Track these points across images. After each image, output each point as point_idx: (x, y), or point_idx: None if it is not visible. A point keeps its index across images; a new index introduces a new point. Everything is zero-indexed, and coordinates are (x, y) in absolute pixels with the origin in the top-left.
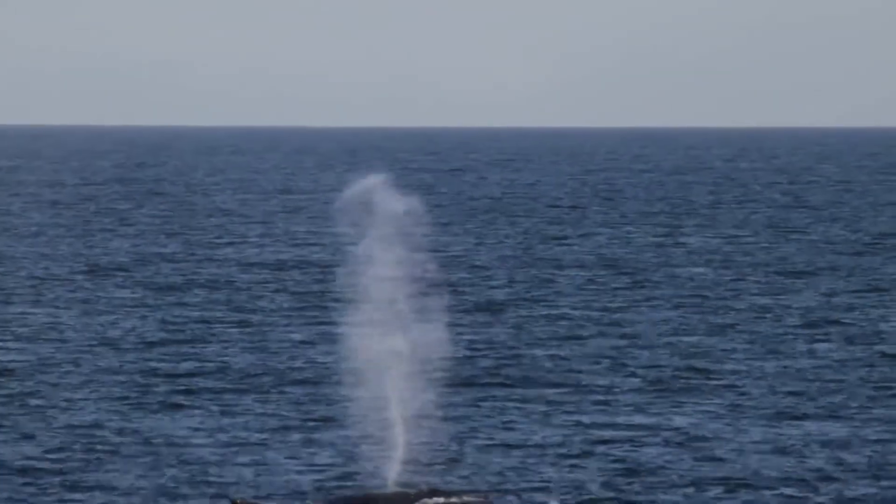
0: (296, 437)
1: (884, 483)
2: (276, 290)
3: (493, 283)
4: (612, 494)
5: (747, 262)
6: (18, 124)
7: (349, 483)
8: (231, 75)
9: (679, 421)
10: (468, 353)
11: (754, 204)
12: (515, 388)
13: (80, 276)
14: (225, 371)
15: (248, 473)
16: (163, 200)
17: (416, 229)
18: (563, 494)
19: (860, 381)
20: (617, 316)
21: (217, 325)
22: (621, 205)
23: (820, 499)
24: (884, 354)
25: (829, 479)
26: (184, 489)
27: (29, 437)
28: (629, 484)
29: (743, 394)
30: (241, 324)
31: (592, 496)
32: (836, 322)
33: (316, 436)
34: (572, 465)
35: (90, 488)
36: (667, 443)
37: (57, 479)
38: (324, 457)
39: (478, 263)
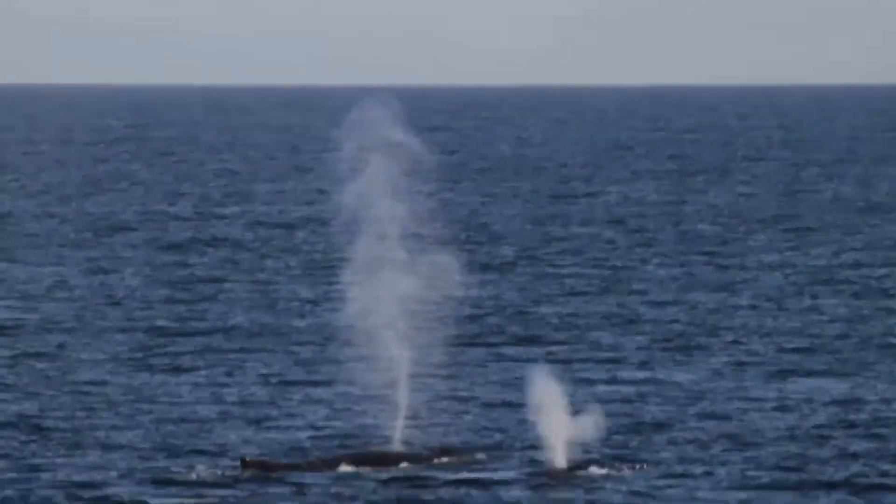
0: (301, 395)
1: (886, 440)
2: (284, 250)
3: (501, 240)
4: (615, 451)
5: (756, 219)
6: (21, 83)
7: (354, 441)
8: (239, 33)
9: (684, 378)
10: (474, 310)
11: (765, 162)
12: (521, 345)
13: (87, 235)
14: (230, 330)
15: (251, 432)
16: (173, 160)
17: (418, 169)
18: (567, 451)
19: (867, 337)
20: (624, 273)
21: (223, 284)
22: (632, 163)
23: (823, 454)
24: (890, 311)
25: (832, 436)
26: (187, 447)
27: (32, 394)
28: (632, 441)
29: (749, 351)
30: (248, 283)
31: (595, 453)
32: (844, 279)
33: (321, 395)
34: (576, 423)
35: (92, 446)
36: (671, 400)
37: (59, 437)
38: (329, 415)
39: (486, 221)
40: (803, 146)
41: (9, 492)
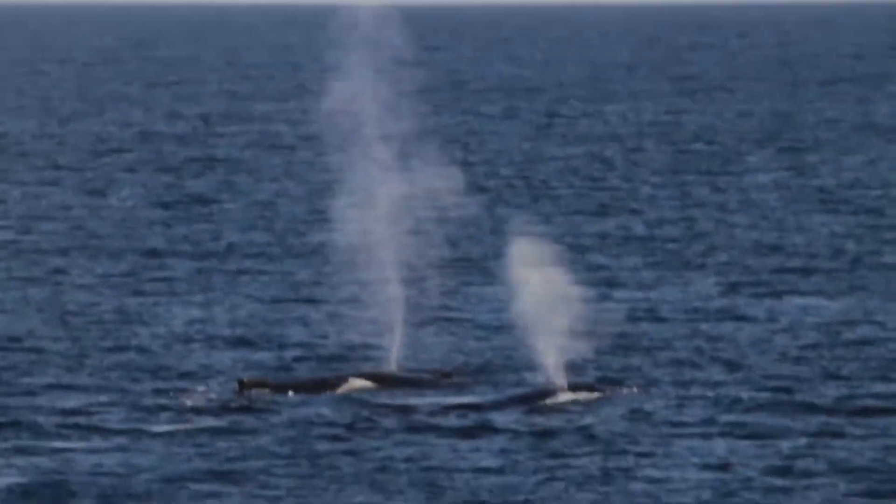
0: (297, 316)
1: (878, 360)
2: (283, 170)
3: (497, 160)
4: (609, 373)
5: (753, 139)
6: (21, 2)
7: (351, 362)
8: None
9: (678, 298)
10: (470, 230)
11: (764, 80)
12: (517, 266)
13: (84, 156)
14: (226, 251)
15: (245, 353)
16: (172, 79)
17: (416, 88)
18: (561, 373)
19: (861, 256)
20: (621, 193)
21: (220, 205)
22: (631, 82)
23: (815, 375)
24: (885, 230)
25: (823, 356)
26: (183, 369)
27: (24, 316)
28: (626, 362)
29: (744, 270)
30: (245, 204)
31: (589, 374)
32: (841, 199)
33: (317, 315)
34: (567, 343)
35: (85, 370)
36: (665, 320)
37: (52, 360)
38: (325, 336)
39: (482, 141)
40: (803, 64)
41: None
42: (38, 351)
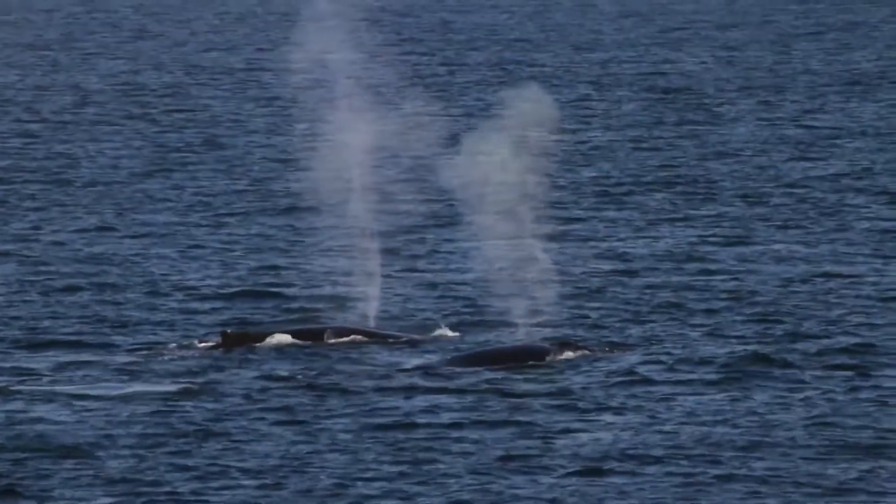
0: (274, 268)
1: (853, 311)
2: (263, 122)
3: (476, 108)
4: (578, 328)
5: (735, 88)
6: None
7: (327, 316)
8: None
9: (654, 249)
10: (445, 181)
11: (752, 29)
12: (492, 220)
13: (66, 106)
14: (205, 203)
15: (224, 306)
16: (157, 31)
17: (398, 34)
18: (527, 319)
19: (840, 207)
20: (601, 146)
21: (199, 156)
22: (617, 32)
23: (788, 329)
24: (865, 178)
25: (798, 309)
26: (155, 322)
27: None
28: (596, 316)
29: (724, 220)
30: (224, 155)
31: (558, 330)
32: (823, 150)
33: (296, 267)
34: (541, 298)
35: (58, 322)
36: (639, 273)
37: (21, 313)
38: (307, 287)
39: (459, 89)
40: (790, 13)
41: None
42: (13, 306)
